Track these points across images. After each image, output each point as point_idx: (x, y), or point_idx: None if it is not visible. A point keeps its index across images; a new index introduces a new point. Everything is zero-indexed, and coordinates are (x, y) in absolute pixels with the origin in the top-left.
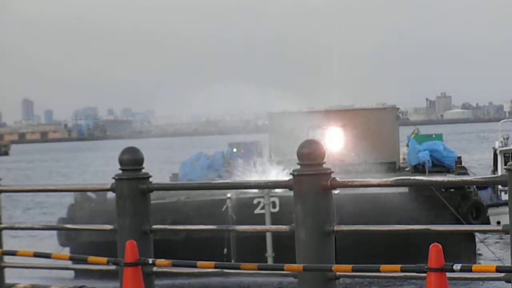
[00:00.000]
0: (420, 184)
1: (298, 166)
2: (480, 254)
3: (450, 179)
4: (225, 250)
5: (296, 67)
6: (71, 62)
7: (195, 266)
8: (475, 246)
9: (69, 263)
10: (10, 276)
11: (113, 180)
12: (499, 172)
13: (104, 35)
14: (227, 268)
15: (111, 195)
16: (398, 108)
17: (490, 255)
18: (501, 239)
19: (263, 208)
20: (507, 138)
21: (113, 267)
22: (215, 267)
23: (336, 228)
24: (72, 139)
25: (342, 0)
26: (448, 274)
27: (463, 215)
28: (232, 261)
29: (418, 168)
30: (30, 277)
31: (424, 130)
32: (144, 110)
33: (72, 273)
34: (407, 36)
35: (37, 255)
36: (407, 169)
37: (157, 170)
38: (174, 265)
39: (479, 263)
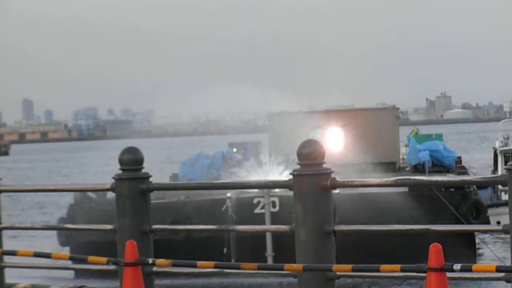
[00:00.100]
0: (420, 184)
1: (298, 166)
2: (480, 254)
3: (450, 179)
4: (225, 249)
5: (296, 67)
6: (71, 62)
7: (195, 266)
8: (475, 246)
9: (69, 263)
10: (10, 276)
11: (113, 180)
12: (499, 172)
13: (104, 35)
14: (227, 268)
15: (111, 195)
16: (398, 108)
17: (490, 255)
18: (501, 239)
19: (263, 207)
20: (508, 138)
21: (113, 267)
22: (215, 267)
23: (336, 228)
24: (72, 139)
25: (342, 0)
26: (448, 274)
27: (463, 215)
28: (232, 260)
29: (418, 168)
30: (30, 277)
31: (424, 130)
32: (144, 110)
33: (72, 273)
34: (407, 36)
35: (37, 255)
36: (407, 169)
37: (157, 170)
38: (174, 265)
39: (479, 263)
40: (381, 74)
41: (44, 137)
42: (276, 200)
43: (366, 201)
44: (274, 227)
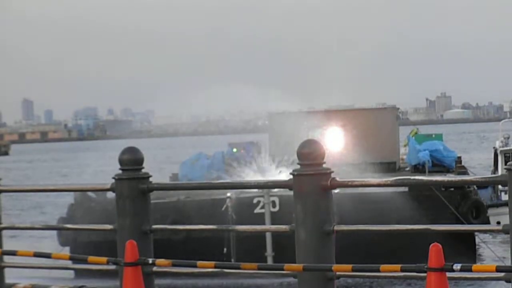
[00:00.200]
0: (420, 184)
1: (298, 166)
2: (480, 254)
3: (450, 179)
4: (225, 249)
5: (296, 67)
6: (71, 62)
7: (195, 266)
8: (475, 246)
9: (69, 263)
10: (10, 276)
11: (113, 180)
12: (499, 172)
13: (104, 35)
14: (227, 268)
15: (111, 194)
16: (398, 108)
17: (490, 255)
18: (501, 239)
19: (263, 207)
20: (508, 138)
21: (113, 267)
22: (215, 267)
23: (336, 228)
24: (72, 139)
25: (342, 0)
26: (448, 274)
27: (463, 215)
28: (232, 260)
29: (418, 168)
30: (30, 277)
31: (424, 130)
32: (144, 110)
33: (72, 273)
34: (407, 36)
35: (37, 255)
36: (407, 169)
37: (157, 170)
38: (174, 265)
39: (479, 263)
40: (381, 74)
41: (44, 137)
42: (276, 200)
43: (366, 201)
44: (274, 227)
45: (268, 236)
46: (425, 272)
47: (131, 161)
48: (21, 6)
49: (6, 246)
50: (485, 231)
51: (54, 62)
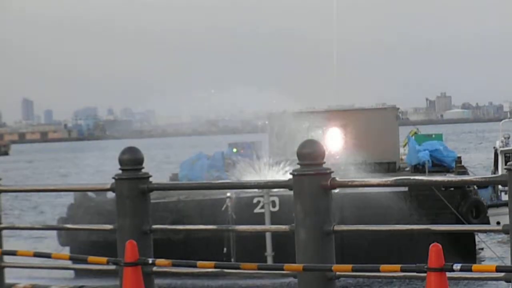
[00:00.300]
0: (420, 184)
1: (298, 166)
2: (480, 254)
3: (450, 179)
4: (225, 249)
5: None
6: (71, 62)
7: (195, 266)
8: (475, 246)
9: (69, 263)
10: (10, 276)
11: (113, 180)
12: (500, 172)
13: (104, 35)
14: (227, 268)
15: (111, 194)
16: (398, 108)
17: (490, 255)
18: (501, 239)
19: (263, 207)
20: (508, 138)
21: (113, 267)
22: (215, 267)
23: (336, 228)
24: (72, 139)
25: (342, 0)
26: (448, 274)
27: (463, 214)
28: (232, 260)
29: (418, 168)
30: (30, 277)
31: (424, 130)
32: (144, 110)
33: (72, 273)
34: (407, 36)
35: (37, 255)
36: (407, 169)
37: (157, 170)
38: (174, 265)
39: (479, 263)
40: (381, 74)
41: (44, 137)
42: (276, 199)
43: (366, 200)
44: (274, 227)
45: (268, 236)
46: (425, 272)
47: (131, 161)
48: (21, 5)
49: (6, 246)
50: (485, 231)
51: (54, 62)
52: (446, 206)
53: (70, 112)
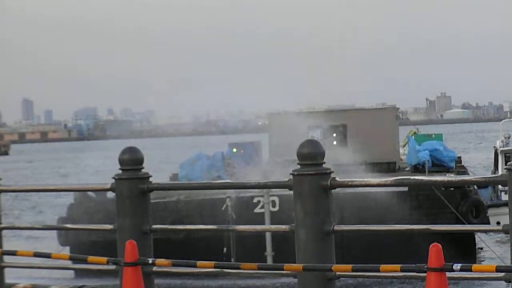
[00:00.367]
0: (420, 184)
1: (298, 166)
2: (480, 254)
3: (450, 179)
4: (225, 249)
5: (296, 67)
6: (71, 62)
7: (195, 266)
8: (475, 246)
9: (69, 263)
10: (10, 276)
11: (113, 180)
12: (500, 172)
13: (104, 35)
14: (227, 268)
15: (111, 194)
16: (398, 108)
17: (490, 255)
18: (501, 238)
19: (262, 207)
20: (508, 138)
21: (113, 267)
22: (215, 267)
23: (336, 228)
24: (72, 139)
25: (343, 0)
26: (448, 274)
27: (463, 214)
28: (232, 260)
29: (418, 168)
30: (30, 277)
31: (424, 130)
32: (144, 110)
33: (72, 273)
34: (407, 36)
35: (37, 255)
36: (407, 169)
37: (157, 170)
38: (174, 265)
39: (479, 263)
40: (381, 74)
41: (44, 137)
42: (276, 199)
43: (366, 200)
44: (274, 227)
45: (268, 236)
46: (425, 272)
47: (131, 161)
48: (20, 5)
49: (6, 246)
50: (485, 231)
51: (54, 62)
52: (446, 206)
53: (70, 112)
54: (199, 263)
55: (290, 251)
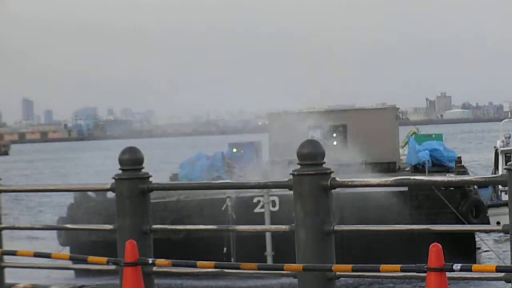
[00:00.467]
0: (420, 184)
1: (298, 166)
2: (480, 254)
3: (450, 179)
4: (225, 249)
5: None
6: (71, 62)
7: (195, 266)
8: (475, 246)
9: (69, 263)
10: (10, 276)
11: (113, 180)
12: (500, 172)
13: (104, 35)
14: (227, 268)
15: (111, 194)
16: (398, 108)
17: (490, 255)
18: (500, 238)
19: (262, 207)
20: (509, 138)
21: (113, 267)
22: (215, 267)
23: (336, 228)
24: (72, 139)
25: (343, 0)
26: (448, 274)
27: (463, 214)
28: (232, 260)
29: (418, 168)
30: (30, 277)
31: (424, 130)
32: (144, 110)
33: (72, 272)
34: (407, 36)
35: (37, 255)
36: (407, 169)
37: (156, 170)
38: (174, 265)
39: (479, 263)
40: (381, 74)
41: (44, 137)
42: (276, 199)
43: (366, 200)
44: (274, 227)
45: (268, 236)
46: (425, 272)
47: (131, 161)
48: (20, 7)
49: (6, 246)
50: (485, 231)
51: (54, 62)
52: (446, 205)
53: (70, 112)
54: (199, 263)
55: (290, 251)
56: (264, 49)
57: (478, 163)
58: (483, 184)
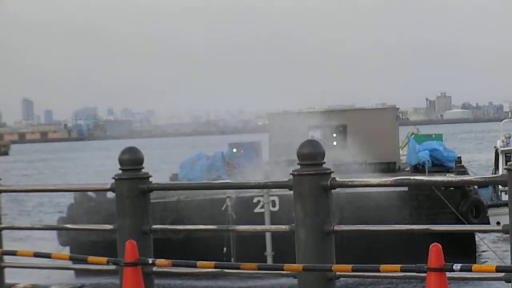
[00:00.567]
0: (420, 184)
1: (298, 166)
2: (480, 254)
3: (450, 179)
4: (225, 249)
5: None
6: (71, 62)
7: (195, 266)
8: (475, 246)
9: (69, 263)
10: (10, 276)
11: (113, 180)
12: (500, 172)
13: (104, 37)
14: (227, 268)
15: (111, 194)
16: (398, 108)
17: (490, 255)
18: (501, 238)
19: (262, 207)
20: (509, 138)
21: (113, 267)
22: (215, 267)
23: (336, 228)
24: (72, 139)
25: (342, 0)
26: (448, 274)
27: (463, 214)
28: (232, 260)
29: (418, 168)
30: (30, 277)
31: (424, 130)
32: (144, 110)
33: (72, 272)
34: (407, 36)
35: (37, 255)
36: (407, 169)
37: (156, 170)
38: (174, 265)
39: (479, 263)
40: (381, 74)
41: (44, 137)
42: (276, 199)
43: (366, 200)
44: (274, 227)
45: (268, 236)
46: (425, 272)
47: (131, 161)
48: (19, 7)
49: (6, 246)
50: (485, 231)
51: (54, 62)
52: (446, 205)
53: (70, 112)
54: (199, 263)
55: (290, 251)
56: (264, 49)
57: (478, 163)
58: (483, 184)
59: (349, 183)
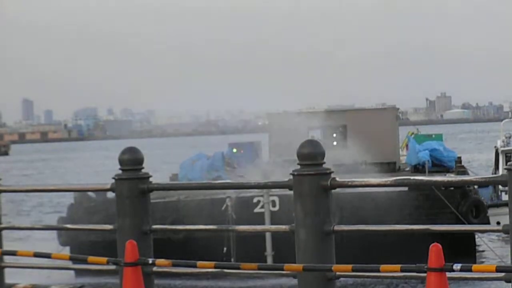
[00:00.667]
0: (420, 184)
1: (298, 166)
2: (480, 254)
3: (450, 179)
4: (225, 249)
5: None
6: (71, 62)
7: (195, 266)
8: (475, 246)
9: (69, 263)
10: (10, 276)
11: (113, 180)
12: (500, 172)
13: (104, 37)
14: (227, 268)
15: (111, 194)
16: (398, 108)
17: (490, 255)
18: (501, 238)
19: (262, 207)
20: (509, 137)
21: (113, 267)
22: (215, 267)
23: (336, 228)
24: (72, 139)
25: (342, 0)
26: (448, 274)
27: (463, 214)
28: (232, 260)
29: (418, 168)
30: (30, 277)
31: (424, 130)
32: (144, 110)
33: (72, 272)
34: (407, 36)
35: (37, 255)
36: (407, 169)
37: (156, 170)
38: (174, 265)
39: (479, 263)
40: (381, 74)
41: (44, 137)
42: (276, 199)
43: (366, 200)
44: (274, 227)
45: (268, 236)
46: (425, 272)
47: (131, 161)
48: (18, 9)
49: (6, 246)
50: (485, 231)
51: (54, 62)
52: (446, 205)
53: (70, 112)
54: (199, 263)
55: (290, 251)
56: (264, 49)
57: (478, 163)
58: (483, 184)
59: (349, 183)
